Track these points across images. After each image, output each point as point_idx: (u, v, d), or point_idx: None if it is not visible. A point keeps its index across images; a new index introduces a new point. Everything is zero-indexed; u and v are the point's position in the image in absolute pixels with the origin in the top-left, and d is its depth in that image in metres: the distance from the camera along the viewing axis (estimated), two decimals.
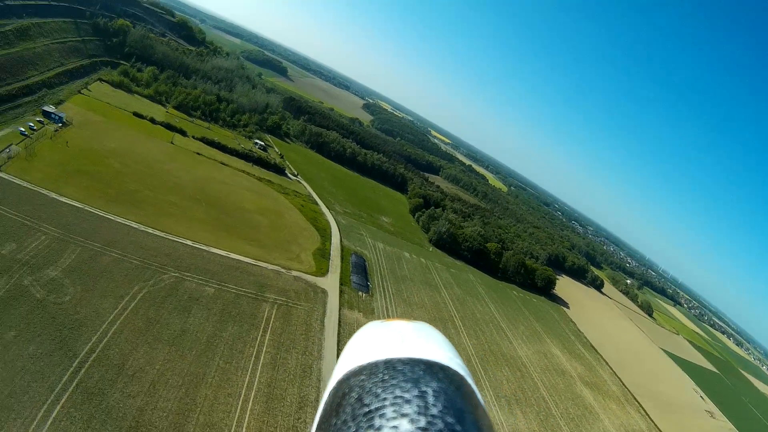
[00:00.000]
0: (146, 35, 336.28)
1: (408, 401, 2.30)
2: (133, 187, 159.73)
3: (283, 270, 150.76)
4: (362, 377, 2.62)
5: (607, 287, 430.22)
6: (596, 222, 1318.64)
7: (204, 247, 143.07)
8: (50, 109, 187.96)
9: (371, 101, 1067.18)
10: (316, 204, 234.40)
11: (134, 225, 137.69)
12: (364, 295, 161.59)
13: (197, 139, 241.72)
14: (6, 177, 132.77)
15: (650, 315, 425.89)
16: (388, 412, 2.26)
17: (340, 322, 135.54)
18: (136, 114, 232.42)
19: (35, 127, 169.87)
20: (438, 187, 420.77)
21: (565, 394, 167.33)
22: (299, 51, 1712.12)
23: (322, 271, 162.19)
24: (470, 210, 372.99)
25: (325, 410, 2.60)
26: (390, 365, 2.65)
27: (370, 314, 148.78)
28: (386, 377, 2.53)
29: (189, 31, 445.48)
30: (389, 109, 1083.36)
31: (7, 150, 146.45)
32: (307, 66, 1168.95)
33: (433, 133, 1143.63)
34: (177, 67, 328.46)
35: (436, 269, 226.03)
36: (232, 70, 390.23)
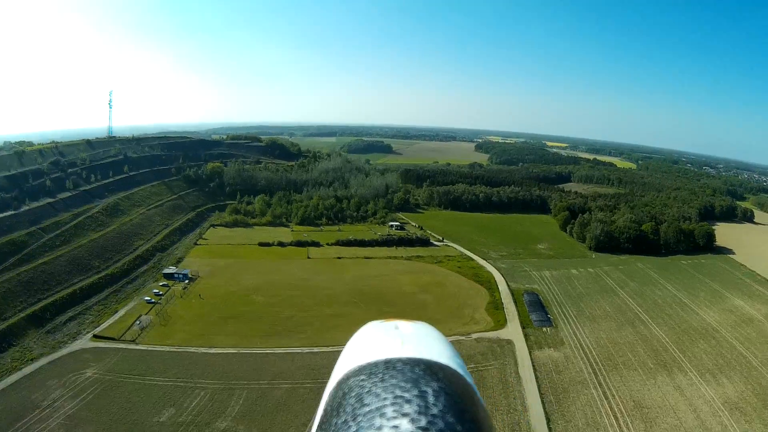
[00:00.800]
0: (241, 168, 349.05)
1: (408, 401, 2.40)
2: (286, 314, 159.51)
3: (462, 337, 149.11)
4: (362, 377, 2.73)
5: (758, 215, 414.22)
6: (723, 157, 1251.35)
7: None
8: (171, 270, 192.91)
9: (480, 140, 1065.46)
10: (472, 260, 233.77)
11: (298, 350, 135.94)
12: (548, 329, 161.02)
13: (332, 245, 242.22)
14: (145, 348, 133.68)
15: None
16: (389, 411, 2.34)
17: (534, 366, 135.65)
18: (262, 244, 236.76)
19: (161, 293, 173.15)
20: (576, 193, 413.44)
21: (758, 341, 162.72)
22: (395, 123, 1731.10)
23: (501, 323, 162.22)
24: (613, 201, 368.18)
25: (325, 410, 2.71)
26: (390, 365, 2.76)
27: (560, 345, 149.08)
28: (386, 377, 2.64)
29: (281, 148, 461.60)
30: (500, 141, 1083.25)
31: (138, 323, 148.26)
32: (408, 134, 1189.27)
33: (548, 144, 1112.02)
34: (285, 186, 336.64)
35: (605, 273, 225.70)
36: (339, 168, 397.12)
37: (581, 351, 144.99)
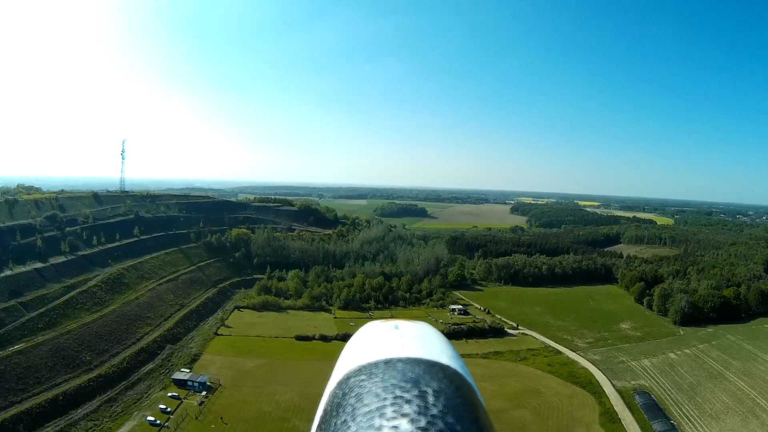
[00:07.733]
0: (271, 236, 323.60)
1: (408, 401, 2.48)
2: None
3: None
4: (362, 377, 2.81)
5: None
6: (751, 203, 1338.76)
7: None
8: (183, 375, 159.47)
9: (513, 202, 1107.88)
10: (559, 353, 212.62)
11: None
12: None
13: None
14: None
15: None
16: (388, 411, 2.42)
17: None
18: (300, 338, 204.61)
19: (169, 409, 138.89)
20: (640, 259, 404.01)
21: None
22: (424, 186, 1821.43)
23: None
24: (681, 266, 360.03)
25: (325, 410, 2.79)
26: (390, 365, 2.86)
27: None
28: (386, 377, 2.73)
29: (316, 214, 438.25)
30: (532, 202, 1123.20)
31: None
32: (440, 197, 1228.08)
33: (580, 203, 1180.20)
34: (322, 260, 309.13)
35: (703, 353, 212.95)
36: (381, 237, 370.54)
37: None
